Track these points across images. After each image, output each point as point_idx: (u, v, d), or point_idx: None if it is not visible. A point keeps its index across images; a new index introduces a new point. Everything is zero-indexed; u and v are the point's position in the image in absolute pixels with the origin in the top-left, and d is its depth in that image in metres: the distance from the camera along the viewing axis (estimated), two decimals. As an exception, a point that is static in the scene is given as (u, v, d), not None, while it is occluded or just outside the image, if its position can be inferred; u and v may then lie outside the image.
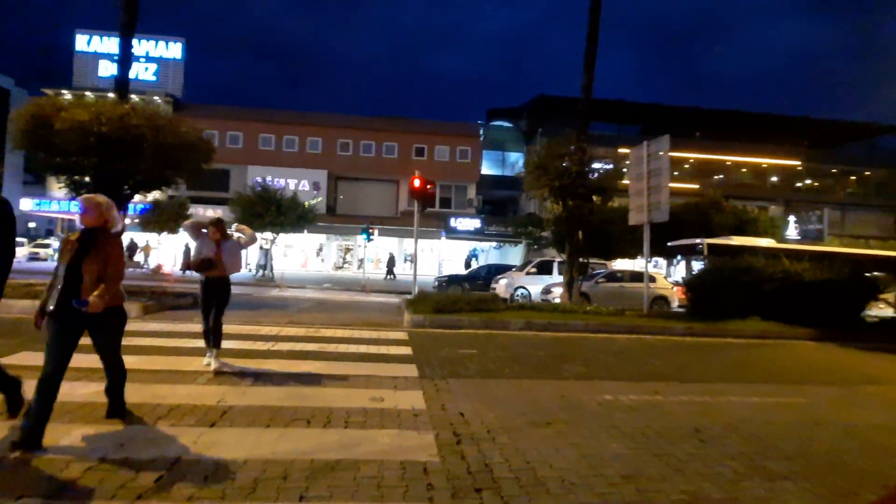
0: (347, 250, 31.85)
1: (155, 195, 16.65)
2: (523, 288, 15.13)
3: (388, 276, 25.06)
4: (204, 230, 4.87)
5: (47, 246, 28.37)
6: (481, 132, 34.71)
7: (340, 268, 31.17)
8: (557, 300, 12.85)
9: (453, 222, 30.17)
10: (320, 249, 31.36)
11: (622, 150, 15.24)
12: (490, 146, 36.26)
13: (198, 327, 7.08)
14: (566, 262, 12.80)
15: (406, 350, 6.22)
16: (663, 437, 3.51)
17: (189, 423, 3.25)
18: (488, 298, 11.23)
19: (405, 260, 29.16)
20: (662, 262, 21.02)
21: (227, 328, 7.23)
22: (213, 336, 4.75)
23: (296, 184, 29.32)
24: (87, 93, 26.73)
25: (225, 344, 5.89)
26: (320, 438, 3.09)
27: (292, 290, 15.83)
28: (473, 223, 30.60)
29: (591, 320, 9.23)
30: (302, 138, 31.83)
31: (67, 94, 26.19)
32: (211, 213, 27.60)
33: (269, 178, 24.40)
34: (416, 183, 13.06)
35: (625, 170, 12.97)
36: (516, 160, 36.15)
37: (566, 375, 5.40)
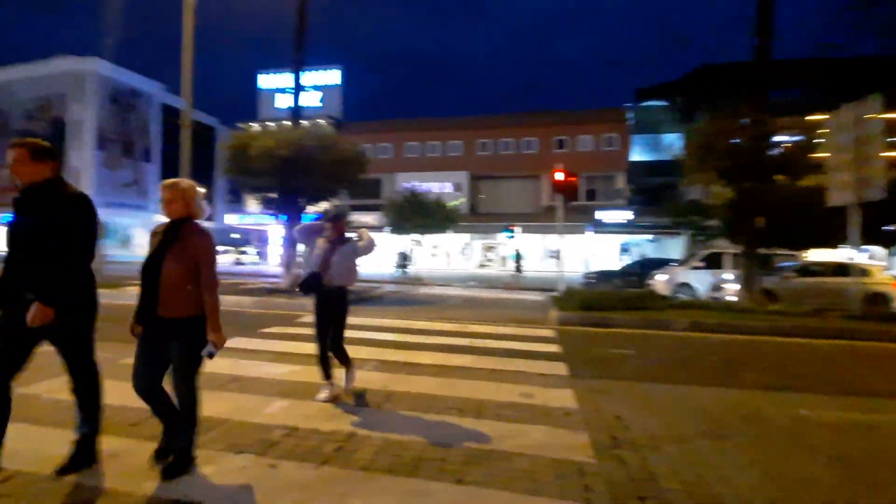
0: (490, 248, 32.49)
1: (323, 205, 19.27)
2: (687, 284, 13.52)
3: (517, 272, 25.29)
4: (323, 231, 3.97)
5: (245, 253, 34.80)
6: (630, 115, 32.12)
7: (484, 266, 31.95)
8: (732, 298, 11.19)
9: (600, 215, 28.54)
10: (464, 248, 32.59)
11: (814, 118, 12.57)
12: (641, 130, 33.31)
13: (361, 320, 7.96)
14: (741, 253, 11.07)
15: (554, 348, 6.06)
16: (883, 465, 2.78)
17: (360, 403, 3.64)
18: (645, 295, 10.30)
19: (549, 256, 28.56)
20: (880, 251, 16.80)
21: (383, 321, 7.94)
22: (339, 360, 3.87)
23: (439, 186, 31.01)
24: (269, 123, 32.51)
25: (383, 336, 6.50)
26: (474, 428, 3.18)
27: (439, 288, 16.75)
28: (623, 215, 28.53)
29: (778, 322, 7.81)
30: (444, 142, 33.52)
31: (254, 126, 32.23)
32: (368, 219, 30.87)
33: (415, 183, 26.27)
34: (559, 176, 12.67)
35: (818, 141, 10.66)
36: (672, 142, 32.55)
37: (746, 384, 4.65)
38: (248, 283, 13.89)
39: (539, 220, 28.21)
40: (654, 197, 33.04)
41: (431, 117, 35.42)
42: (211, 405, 3.49)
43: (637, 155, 32.88)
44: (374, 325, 7.40)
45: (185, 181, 2.53)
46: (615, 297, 9.25)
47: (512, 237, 22.21)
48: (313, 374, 4.44)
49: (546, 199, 30.45)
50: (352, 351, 5.58)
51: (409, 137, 34.04)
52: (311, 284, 3.71)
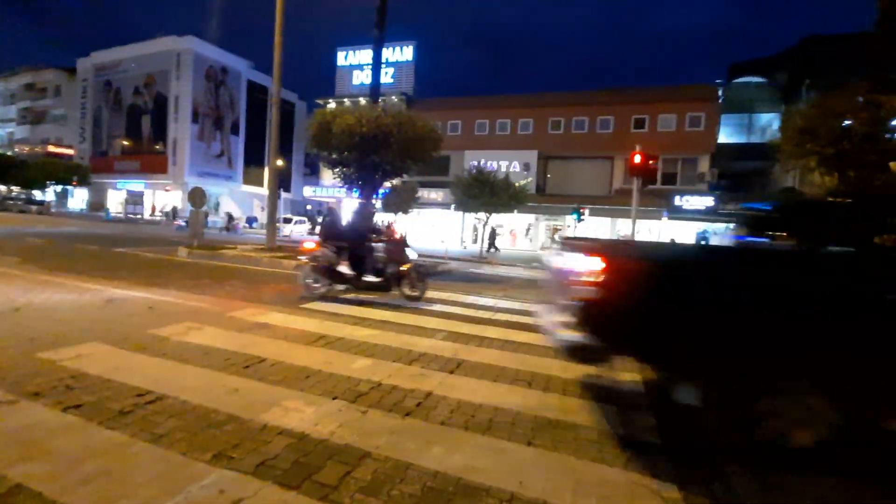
0: (556, 230, 31.88)
1: (394, 181, 19.82)
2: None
3: (490, 250, 23.16)
4: None
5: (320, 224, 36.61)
6: (720, 93, 29.57)
7: (548, 248, 31.48)
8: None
9: (679, 201, 26.92)
10: (529, 229, 32.24)
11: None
12: (731, 109, 30.68)
13: (432, 293, 8.31)
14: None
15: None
16: None
17: (434, 368, 3.95)
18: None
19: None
20: None
21: (452, 295, 8.25)
22: None
23: (507, 165, 30.70)
24: (345, 99, 33.59)
25: (453, 309, 6.80)
26: (541, 399, 3.37)
27: (503, 268, 16.86)
28: (704, 201, 26.69)
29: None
30: (513, 121, 32.91)
31: (332, 103, 33.49)
32: (435, 195, 31.30)
33: (483, 162, 26.20)
34: (637, 158, 12.15)
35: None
36: (769, 123, 29.71)
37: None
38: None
39: (610, 202, 27.19)
40: (742, 182, 30.55)
41: (502, 95, 34.77)
42: (306, 357, 3.97)
43: (726, 136, 30.42)
44: (443, 299, 7.74)
45: None
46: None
47: (580, 220, 21.64)
48: (390, 338, 4.84)
49: (619, 181, 29.20)
50: (423, 321, 5.89)
51: (479, 115, 33.77)
52: None
